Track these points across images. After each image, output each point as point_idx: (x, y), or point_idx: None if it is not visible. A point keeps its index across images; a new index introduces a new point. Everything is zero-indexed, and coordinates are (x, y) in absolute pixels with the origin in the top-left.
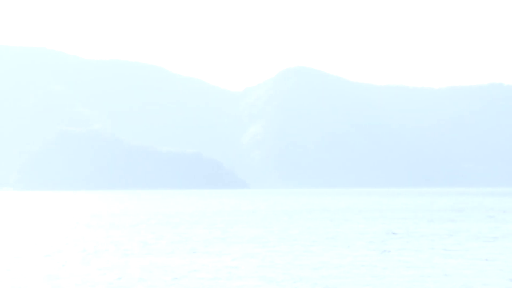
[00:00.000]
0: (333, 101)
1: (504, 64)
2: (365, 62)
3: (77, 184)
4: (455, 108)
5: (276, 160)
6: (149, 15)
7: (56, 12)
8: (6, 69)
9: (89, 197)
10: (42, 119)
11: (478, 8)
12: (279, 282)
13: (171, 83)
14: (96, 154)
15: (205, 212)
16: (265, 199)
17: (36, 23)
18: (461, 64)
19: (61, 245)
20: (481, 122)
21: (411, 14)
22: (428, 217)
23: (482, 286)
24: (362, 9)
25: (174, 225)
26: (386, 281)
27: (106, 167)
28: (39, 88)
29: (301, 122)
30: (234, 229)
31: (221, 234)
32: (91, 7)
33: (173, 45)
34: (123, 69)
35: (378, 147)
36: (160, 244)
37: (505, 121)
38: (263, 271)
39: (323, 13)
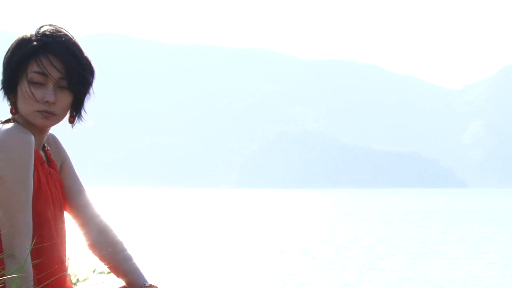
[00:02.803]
0: None
1: None
2: None
3: (294, 183)
4: None
5: (496, 159)
6: (364, 15)
7: (278, 15)
8: (226, 71)
9: (309, 195)
10: (260, 118)
11: None
12: None
13: (387, 82)
14: (313, 154)
15: (444, 210)
16: (495, 199)
17: (256, 25)
18: None
19: (318, 243)
20: None
21: None
22: None
23: None
24: None
25: (423, 224)
26: None
27: (322, 166)
28: (257, 88)
29: None
30: (493, 228)
31: (490, 234)
32: (308, 9)
33: (389, 43)
34: (340, 69)
35: None
36: (430, 244)
37: None
38: None
39: None
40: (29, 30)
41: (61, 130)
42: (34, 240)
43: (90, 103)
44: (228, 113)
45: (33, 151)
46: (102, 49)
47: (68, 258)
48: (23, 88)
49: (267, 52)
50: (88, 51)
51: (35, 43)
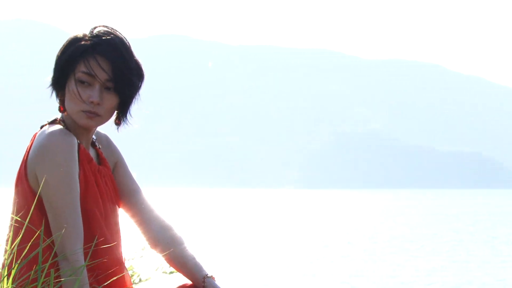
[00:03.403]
0: None
1: None
2: None
3: (355, 183)
4: None
5: None
6: (427, 14)
7: (338, 15)
8: (286, 71)
9: (370, 195)
10: (321, 118)
11: None
12: None
13: (450, 82)
14: (374, 154)
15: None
16: None
17: (316, 25)
18: None
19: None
20: None
21: None
22: None
23: None
24: None
25: (498, 225)
26: None
27: (383, 166)
28: (318, 88)
29: None
30: None
31: None
32: (369, 8)
33: (452, 43)
34: (401, 68)
35: None
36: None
37: None
38: None
39: None
40: (86, 30)
41: (121, 131)
42: (93, 243)
43: (155, 104)
44: (288, 113)
45: (76, 153)
46: (165, 50)
47: (124, 259)
48: (71, 87)
49: (327, 52)
50: (151, 53)
51: (85, 42)
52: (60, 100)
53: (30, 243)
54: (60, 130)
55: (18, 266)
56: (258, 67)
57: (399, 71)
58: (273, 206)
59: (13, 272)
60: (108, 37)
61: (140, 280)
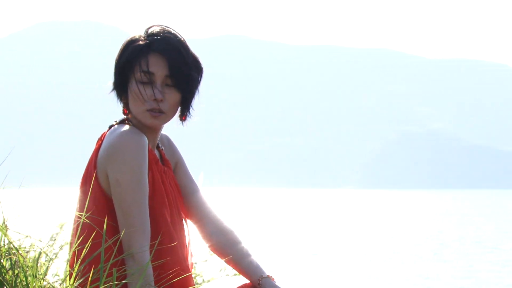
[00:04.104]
0: None
1: None
2: None
3: (417, 184)
4: None
5: None
6: (491, 13)
7: (400, 15)
8: (346, 71)
9: (433, 196)
10: (383, 118)
11: None
12: None
13: None
14: (437, 154)
15: None
16: None
17: (376, 25)
18: None
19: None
20: None
21: None
22: None
23: None
24: None
25: None
26: None
27: (446, 166)
28: (380, 88)
29: None
30: None
31: None
32: (431, 7)
33: None
34: (465, 68)
35: None
36: None
37: None
38: None
39: None
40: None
41: (184, 131)
42: (157, 241)
43: (217, 104)
44: (350, 113)
45: (147, 153)
46: (226, 50)
47: (192, 262)
48: (132, 88)
49: (388, 52)
50: (213, 52)
51: (141, 42)
52: (123, 103)
53: (89, 242)
54: (131, 129)
55: (80, 264)
56: (318, 67)
57: (463, 70)
58: (341, 206)
59: (74, 271)
60: (162, 35)
61: (203, 281)
